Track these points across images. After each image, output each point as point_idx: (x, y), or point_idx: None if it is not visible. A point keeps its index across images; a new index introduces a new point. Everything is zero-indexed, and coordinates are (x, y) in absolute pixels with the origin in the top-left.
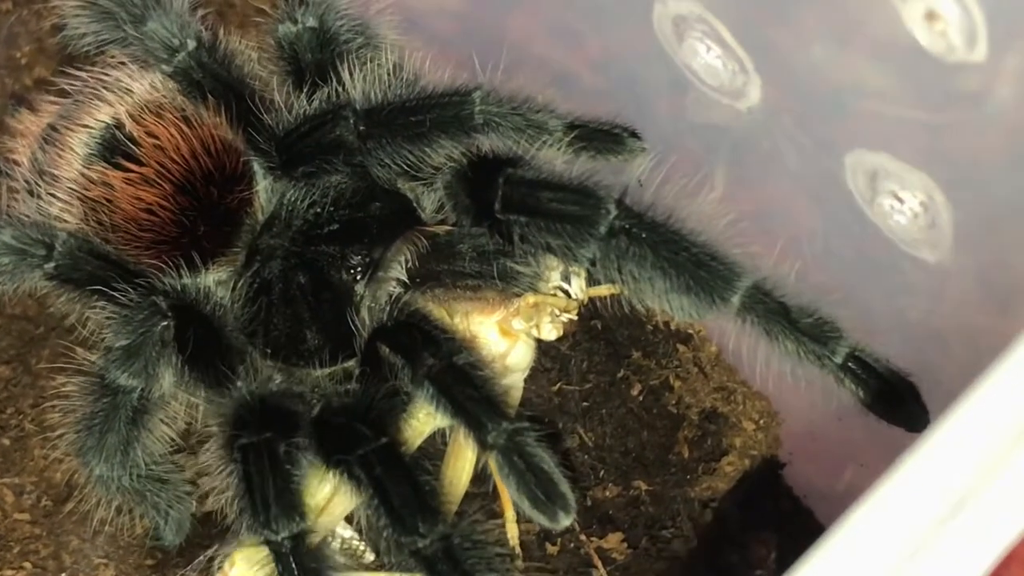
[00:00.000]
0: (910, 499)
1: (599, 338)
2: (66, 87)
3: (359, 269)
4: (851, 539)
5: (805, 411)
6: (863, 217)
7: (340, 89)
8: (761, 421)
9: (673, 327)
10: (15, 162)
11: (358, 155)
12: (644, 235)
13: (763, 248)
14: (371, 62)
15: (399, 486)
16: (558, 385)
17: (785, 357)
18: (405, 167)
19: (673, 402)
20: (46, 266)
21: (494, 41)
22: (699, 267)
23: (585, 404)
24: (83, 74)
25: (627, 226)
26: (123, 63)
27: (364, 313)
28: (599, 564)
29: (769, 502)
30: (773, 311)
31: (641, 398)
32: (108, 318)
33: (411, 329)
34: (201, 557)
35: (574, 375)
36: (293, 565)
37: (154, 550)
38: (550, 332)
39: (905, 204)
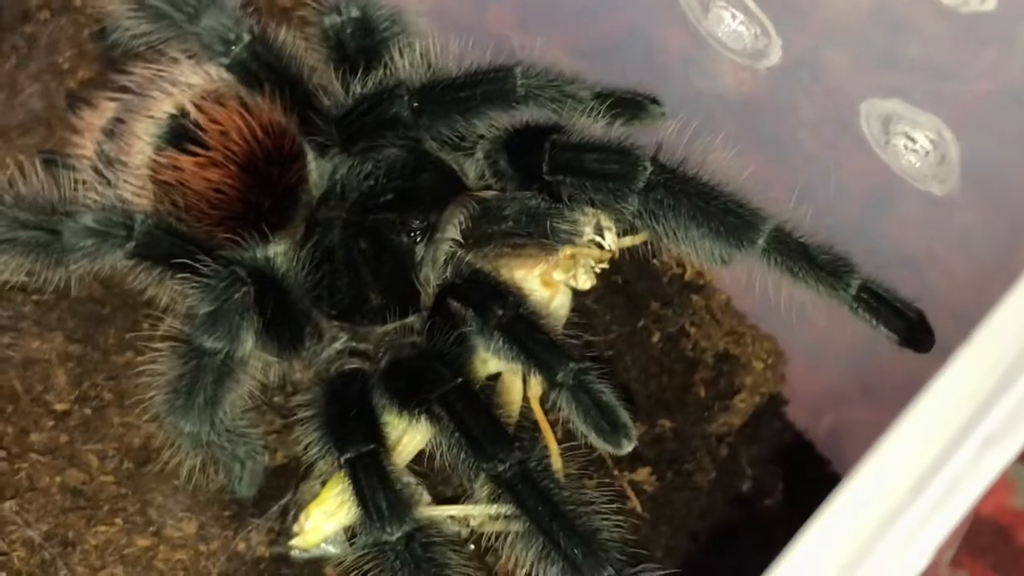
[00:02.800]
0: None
1: (620, 292)
2: (127, 83)
3: (418, 232)
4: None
5: (808, 352)
6: (876, 159)
7: (390, 72)
8: (769, 360)
9: (687, 278)
10: (83, 156)
11: (412, 129)
12: (678, 187)
13: (781, 194)
14: (411, 46)
15: (478, 419)
16: (585, 336)
17: (805, 291)
18: (454, 138)
19: (689, 347)
20: (127, 245)
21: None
22: (727, 214)
23: (610, 353)
24: (143, 70)
25: (662, 180)
26: (176, 58)
27: (426, 271)
28: (632, 495)
29: (775, 437)
30: (794, 250)
31: (660, 345)
32: (191, 288)
33: (478, 285)
34: (275, 507)
35: (599, 327)
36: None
37: (231, 502)
38: (586, 282)
39: (917, 143)
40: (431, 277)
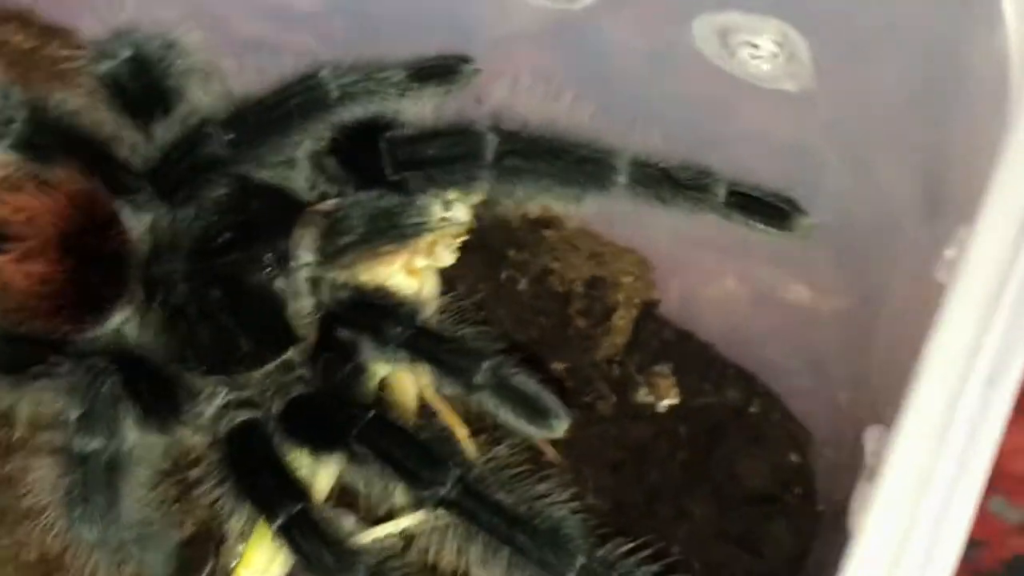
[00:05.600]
0: None
1: (475, 250)
2: None
3: (272, 265)
4: None
5: (665, 245)
6: (719, 72)
7: (188, 108)
8: (636, 271)
9: (533, 217)
10: None
11: (234, 165)
12: (527, 150)
13: (626, 127)
14: (202, 73)
15: (406, 448)
16: (457, 304)
17: (678, 213)
18: (278, 160)
19: (557, 283)
20: None
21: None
22: (583, 163)
23: (482, 312)
24: None
25: (510, 148)
26: None
27: (292, 303)
28: (549, 448)
29: (655, 339)
30: (655, 178)
31: (529, 290)
32: (53, 393)
33: (364, 307)
34: None
35: (464, 290)
36: None
37: None
38: (448, 258)
39: (761, 48)
40: (299, 307)
